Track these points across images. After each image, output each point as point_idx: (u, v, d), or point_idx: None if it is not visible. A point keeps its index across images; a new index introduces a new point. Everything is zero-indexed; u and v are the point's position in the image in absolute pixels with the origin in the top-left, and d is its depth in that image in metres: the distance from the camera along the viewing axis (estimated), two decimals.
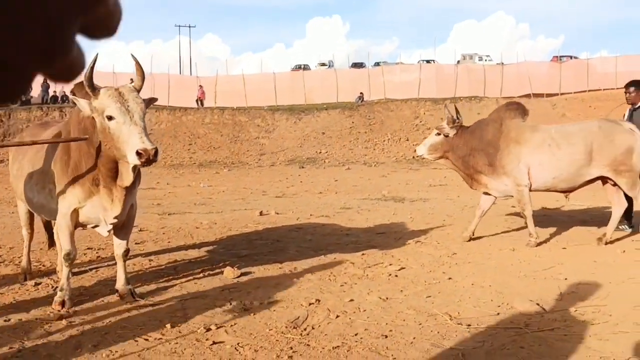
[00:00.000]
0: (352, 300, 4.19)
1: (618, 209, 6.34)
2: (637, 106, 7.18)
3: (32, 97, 35.15)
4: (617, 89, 33.55)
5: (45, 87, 35.64)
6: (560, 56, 39.17)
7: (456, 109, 6.87)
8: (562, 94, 33.90)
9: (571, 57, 39.56)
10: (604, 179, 6.35)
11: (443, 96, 33.95)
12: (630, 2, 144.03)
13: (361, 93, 34.99)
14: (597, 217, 8.10)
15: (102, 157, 3.89)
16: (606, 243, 6.19)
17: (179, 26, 57.46)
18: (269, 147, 30.03)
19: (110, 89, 3.81)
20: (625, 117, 7.32)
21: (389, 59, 55.43)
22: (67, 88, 36.27)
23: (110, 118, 3.66)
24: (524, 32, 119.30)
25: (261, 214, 9.15)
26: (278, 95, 36.14)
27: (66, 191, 4.07)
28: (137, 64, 4.04)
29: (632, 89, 7.19)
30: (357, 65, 42.86)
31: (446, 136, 6.61)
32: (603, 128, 6.25)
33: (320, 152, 28.63)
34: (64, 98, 35.61)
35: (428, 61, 41.74)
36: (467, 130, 6.66)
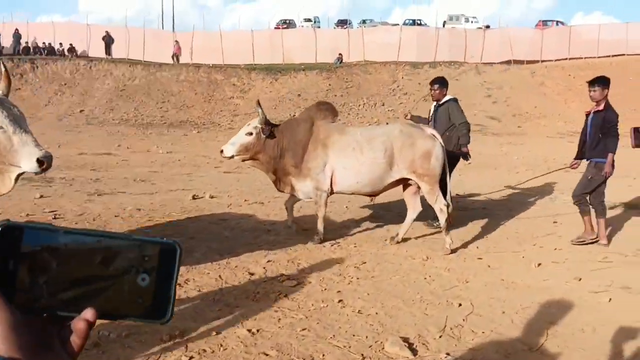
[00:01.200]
0: (218, 333, 3.92)
1: (412, 213, 6.53)
2: (440, 103, 7.35)
3: (3, 47, 34.14)
4: (599, 57, 33.20)
5: (17, 37, 34.52)
6: (545, 21, 38.46)
7: (259, 104, 6.39)
8: (543, 61, 33.41)
9: (557, 22, 38.85)
10: (405, 182, 6.45)
11: (423, 60, 33.40)
12: None
13: (340, 54, 34.29)
14: (544, 210, 7.90)
15: None
16: (397, 242, 6.38)
17: None
18: (243, 108, 29.47)
19: None
20: (430, 112, 7.59)
21: (383, 15, 54.37)
22: (39, 39, 35.32)
23: None
24: None
25: (194, 197, 8.83)
26: (256, 53, 35.29)
27: None
28: (6, 71, 4.14)
29: (436, 86, 7.40)
30: (342, 22, 41.94)
31: (265, 136, 6.21)
32: (404, 132, 6.25)
33: (294, 115, 28.10)
34: (37, 49, 34.62)
35: (414, 21, 40.84)
36: (278, 130, 6.39)
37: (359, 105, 28.56)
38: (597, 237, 6.36)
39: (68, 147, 17.07)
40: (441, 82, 7.46)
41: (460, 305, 4.52)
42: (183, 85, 31.64)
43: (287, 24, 42.40)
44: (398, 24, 39.62)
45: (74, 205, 8.09)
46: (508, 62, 33.04)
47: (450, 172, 6.64)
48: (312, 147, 6.17)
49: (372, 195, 6.60)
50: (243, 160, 6.39)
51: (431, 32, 36.00)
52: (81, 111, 28.78)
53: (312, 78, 31.66)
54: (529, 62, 33.19)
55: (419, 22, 41.01)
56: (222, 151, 6.22)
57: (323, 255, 5.89)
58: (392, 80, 31.20)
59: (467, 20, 41.69)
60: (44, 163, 3.70)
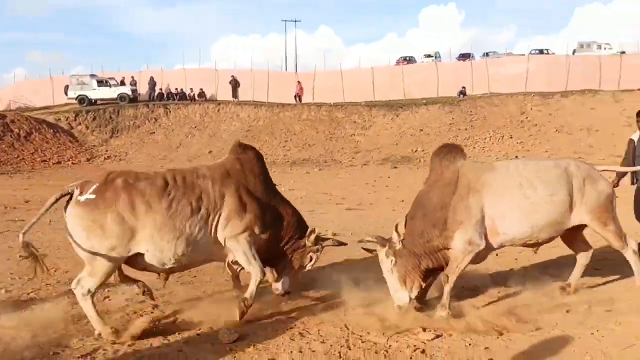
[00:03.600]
0: None
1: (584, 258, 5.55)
2: None
3: (139, 94, 36.48)
4: None
5: (152, 85, 36.79)
6: None
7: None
8: None
9: None
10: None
11: (553, 89, 31.55)
12: None
13: (463, 87, 33.28)
14: None
15: None
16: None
17: (285, 21, 57.99)
18: (363, 145, 29.22)
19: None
20: (635, 143, 6.76)
21: (507, 48, 52.52)
22: (172, 85, 37.40)
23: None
24: None
25: None
26: (376, 90, 35.19)
27: None
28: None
29: None
30: (464, 56, 40.91)
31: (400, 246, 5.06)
32: (582, 168, 5.35)
33: (416, 151, 27.43)
34: (170, 95, 36.65)
35: (541, 51, 38.99)
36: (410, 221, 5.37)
37: (485, 139, 27.29)
38: None
39: None
40: None
41: None
42: (305, 124, 32.01)
43: (408, 60, 42.04)
44: (524, 54, 37.99)
45: None
46: None
47: None
48: (457, 200, 4.95)
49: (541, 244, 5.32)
50: (422, 287, 5.04)
51: (561, 61, 34.08)
52: (209, 152, 29.86)
53: (434, 112, 30.84)
54: None
55: (546, 51, 39.09)
56: (399, 307, 4.83)
57: (467, 303, 5.14)
58: (520, 111, 29.63)
59: (599, 47, 39.10)
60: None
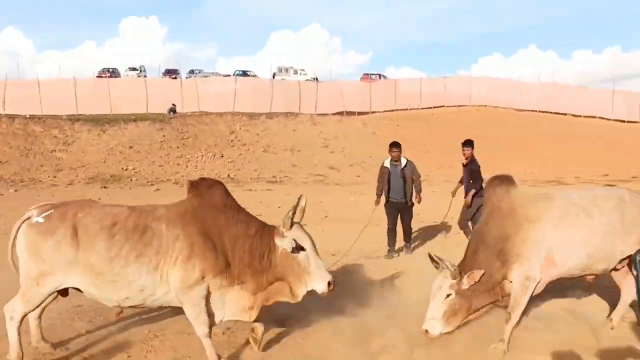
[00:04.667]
0: None
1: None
2: (405, 162, 8.68)
3: None
4: (422, 109, 35.58)
5: None
6: (370, 74, 40.55)
7: (433, 259, 4.99)
8: (372, 112, 34.97)
9: (380, 75, 41.19)
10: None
11: (259, 111, 33.25)
12: (432, 27, 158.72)
13: (173, 104, 32.94)
14: None
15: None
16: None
17: None
18: (67, 162, 26.82)
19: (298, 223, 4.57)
20: (389, 171, 8.72)
21: (207, 65, 53.51)
22: None
23: (301, 249, 4.44)
24: (336, 47, 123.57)
25: None
26: (79, 103, 32.72)
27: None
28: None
29: (397, 148, 8.63)
30: (171, 71, 40.62)
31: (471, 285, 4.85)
32: (636, 198, 5.32)
33: (126, 169, 26.19)
34: None
35: (245, 72, 40.78)
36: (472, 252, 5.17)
37: (198, 157, 27.40)
38: None
39: None
40: (400, 145, 8.66)
41: None
42: None
43: (111, 72, 39.95)
44: (230, 75, 39.34)
45: None
46: (341, 113, 34.09)
47: (410, 220, 8.91)
48: (516, 231, 4.86)
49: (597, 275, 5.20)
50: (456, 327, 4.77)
51: (265, 83, 36.14)
52: None
53: (144, 129, 29.91)
54: (360, 113, 34.50)
55: (249, 72, 41.04)
56: (426, 332, 4.64)
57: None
58: (229, 131, 30.52)
59: (295, 72, 42.55)
60: (332, 285, 4.38)
